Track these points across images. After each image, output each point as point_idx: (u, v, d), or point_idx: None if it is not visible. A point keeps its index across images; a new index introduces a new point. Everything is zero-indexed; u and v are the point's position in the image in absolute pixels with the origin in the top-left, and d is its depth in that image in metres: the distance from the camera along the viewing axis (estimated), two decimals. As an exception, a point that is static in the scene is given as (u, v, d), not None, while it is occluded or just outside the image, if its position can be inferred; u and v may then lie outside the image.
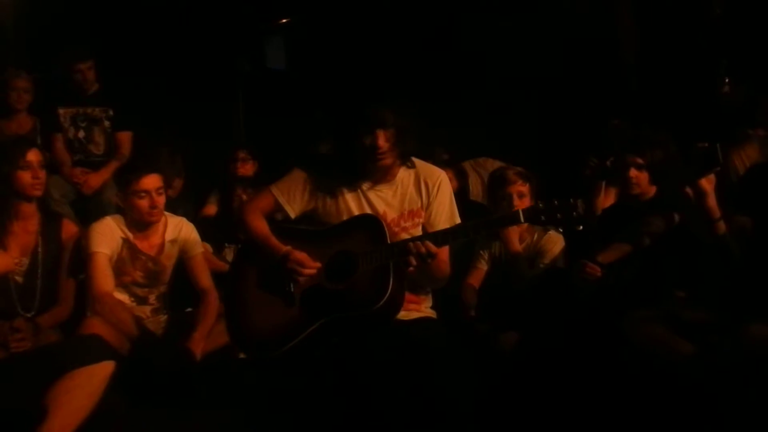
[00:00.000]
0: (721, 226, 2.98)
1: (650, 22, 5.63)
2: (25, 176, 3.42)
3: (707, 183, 2.94)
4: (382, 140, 2.79)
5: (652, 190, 3.50)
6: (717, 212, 2.97)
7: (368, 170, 2.91)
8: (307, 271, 2.81)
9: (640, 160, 3.45)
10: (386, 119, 2.78)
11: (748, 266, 3.01)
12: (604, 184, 4.38)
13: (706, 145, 2.90)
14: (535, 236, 3.83)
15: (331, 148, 3.94)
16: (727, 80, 4.73)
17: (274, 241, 2.91)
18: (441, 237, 2.71)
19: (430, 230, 2.89)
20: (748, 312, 2.87)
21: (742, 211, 3.13)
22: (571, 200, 2.56)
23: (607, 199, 4.38)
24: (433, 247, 2.66)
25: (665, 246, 3.34)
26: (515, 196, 3.71)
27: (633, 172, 3.46)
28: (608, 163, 3.95)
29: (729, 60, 4.79)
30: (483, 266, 3.95)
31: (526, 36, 5.90)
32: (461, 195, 4.79)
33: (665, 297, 3.25)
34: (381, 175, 2.92)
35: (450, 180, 4.62)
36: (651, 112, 5.03)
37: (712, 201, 2.96)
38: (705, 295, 3.24)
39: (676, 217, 3.36)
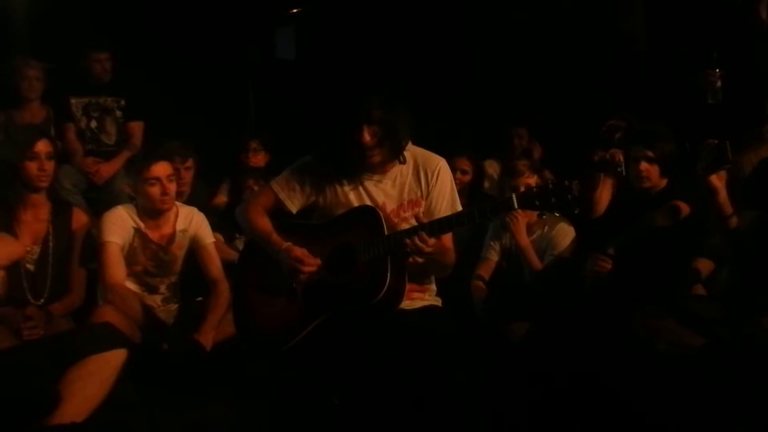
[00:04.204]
0: (734, 222, 2.97)
1: (660, 17, 5.58)
2: (32, 167, 3.44)
3: (718, 180, 2.92)
4: (368, 136, 2.73)
5: (663, 183, 3.49)
6: (729, 208, 2.96)
7: (363, 163, 2.85)
8: (306, 269, 2.78)
9: (650, 153, 3.45)
10: (372, 115, 2.71)
11: (760, 260, 3.00)
12: (602, 176, 4.37)
13: (716, 141, 2.88)
14: (546, 228, 3.84)
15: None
16: (718, 72, 4.60)
17: (275, 237, 2.89)
18: (437, 226, 2.65)
19: (431, 219, 2.80)
20: (759, 305, 2.87)
21: (752, 206, 3.12)
22: (566, 183, 2.47)
23: (603, 190, 4.37)
24: (428, 240, 2.61)
25: (675, 238, 3.34)
26: (522, 188, 3.71)
27: (643, 165, 3.45)
28: (606, 156, 3.94)
29: (720, 53, 4.67)
30: (493, 257, 3.97)
31: (536, 28, 5.88)
32: (475, 186, 4.80)
33: (675, 290, 3.25)
34: (378, 167, 2.87)
35: (466, 171, 4.64)
36: (661, 108, 4.99)
37: (723, 197, 2.94)
38: (716, 289, 3.23)
39: (685, 210, 3.35)
